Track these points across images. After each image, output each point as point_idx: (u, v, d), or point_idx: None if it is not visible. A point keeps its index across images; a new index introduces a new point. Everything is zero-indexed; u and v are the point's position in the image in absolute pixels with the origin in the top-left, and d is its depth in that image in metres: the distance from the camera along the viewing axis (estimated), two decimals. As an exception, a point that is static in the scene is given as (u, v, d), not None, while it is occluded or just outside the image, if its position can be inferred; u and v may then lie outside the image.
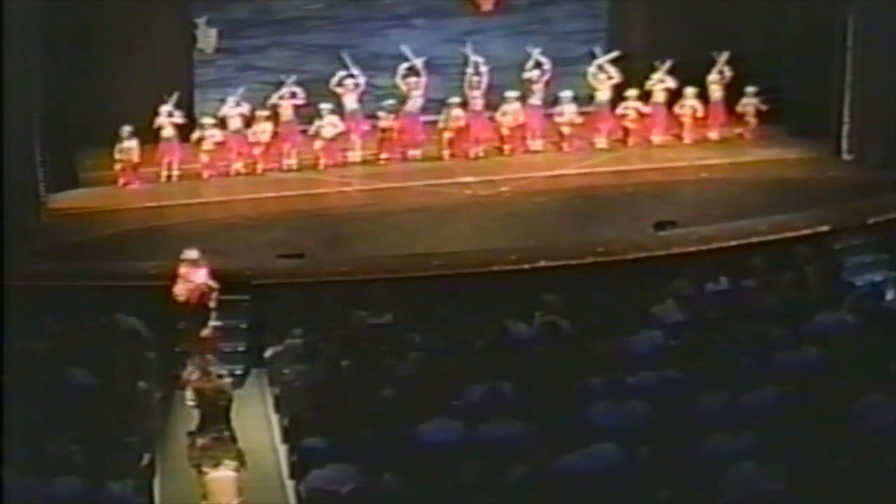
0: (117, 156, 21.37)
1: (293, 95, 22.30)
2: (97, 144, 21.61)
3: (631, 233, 19.08)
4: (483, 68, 22.74)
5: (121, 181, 21.52)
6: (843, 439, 11.52)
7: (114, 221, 20.16)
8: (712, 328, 14.38)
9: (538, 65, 22.84)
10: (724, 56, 22.85)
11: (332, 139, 22.18)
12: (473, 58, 22.87)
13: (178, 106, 21.87)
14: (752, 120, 23.03)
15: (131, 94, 22.02)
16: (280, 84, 22.41)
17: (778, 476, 11.05)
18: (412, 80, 22.58)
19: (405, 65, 22.67)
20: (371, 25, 23.66)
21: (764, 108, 22.79)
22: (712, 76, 22.90)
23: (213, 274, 15.74)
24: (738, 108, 22.86)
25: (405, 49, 22.83)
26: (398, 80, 22.58)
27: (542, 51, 22.99)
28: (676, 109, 22.87)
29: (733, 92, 22.99)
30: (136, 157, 21.46)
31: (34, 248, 18.51)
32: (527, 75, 22.77)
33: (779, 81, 22.97)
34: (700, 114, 22.82)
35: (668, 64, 22.73)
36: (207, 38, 23.32)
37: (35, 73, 19.83)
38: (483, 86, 22.60)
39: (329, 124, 22.15)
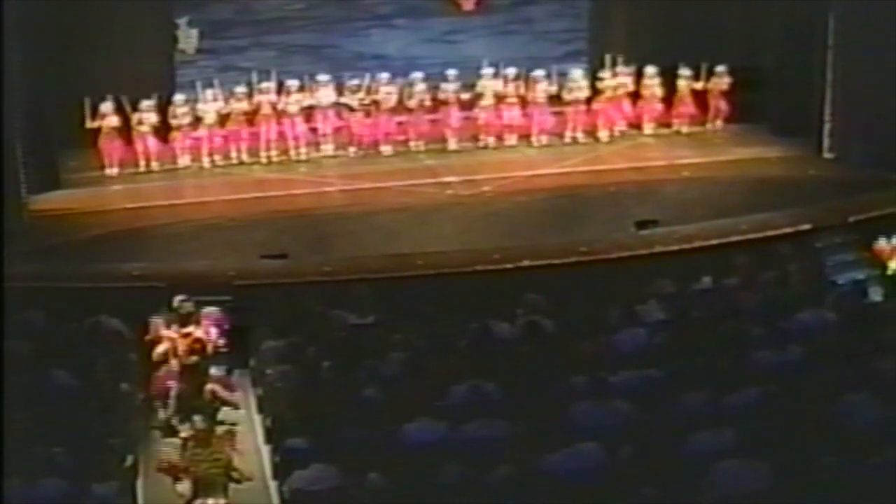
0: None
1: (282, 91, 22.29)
2: (79, 145, 21.59)
3: (613, 232, 19.09)
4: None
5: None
6: (826, 437, 11.55)
7: (96, 222, 20.08)
8: (695, 327, 14.41)
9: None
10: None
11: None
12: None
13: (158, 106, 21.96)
14: (721, 105, 23.09)
15: (112, 94, 21.97)
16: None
17: (761, 474, 11.07)
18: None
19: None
20: (352, 25, 23.68)
21: (730, 81, 22.88)
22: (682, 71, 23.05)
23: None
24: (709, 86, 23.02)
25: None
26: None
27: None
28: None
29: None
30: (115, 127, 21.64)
31: (16, 250, 18.41)
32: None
33: (760, 80, 23.01)
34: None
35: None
36: (188, 38, 23.31)
37: (16, 73, 19.75)
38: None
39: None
